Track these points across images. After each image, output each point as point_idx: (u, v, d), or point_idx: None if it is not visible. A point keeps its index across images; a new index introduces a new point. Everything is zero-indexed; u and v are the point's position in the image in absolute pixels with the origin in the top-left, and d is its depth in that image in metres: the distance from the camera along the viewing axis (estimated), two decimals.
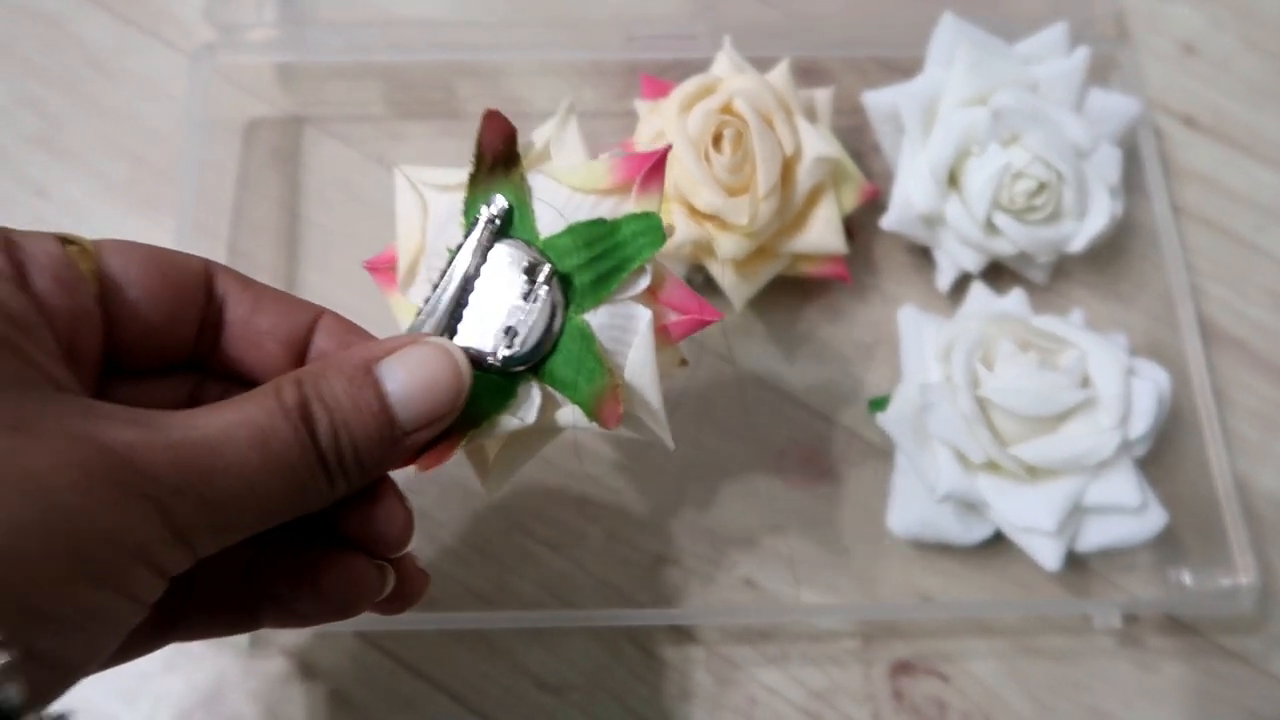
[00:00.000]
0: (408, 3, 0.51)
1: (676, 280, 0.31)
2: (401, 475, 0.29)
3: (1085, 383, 0.40)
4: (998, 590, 0.42)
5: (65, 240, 0.27)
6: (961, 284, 0.46)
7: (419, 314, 0.30)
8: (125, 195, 0.48)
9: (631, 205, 0.30)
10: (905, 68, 0.48)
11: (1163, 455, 0.43)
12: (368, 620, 0.40)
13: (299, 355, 0.30)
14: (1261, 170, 0.50)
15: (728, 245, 0.42)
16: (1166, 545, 0.42)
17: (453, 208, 0.31)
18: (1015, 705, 0.41)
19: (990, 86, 0.44)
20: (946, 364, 0.41)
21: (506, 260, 0.29)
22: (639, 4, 0.51)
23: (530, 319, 0.29)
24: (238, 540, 0.25)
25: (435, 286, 0.30)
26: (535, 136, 0.33)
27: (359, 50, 0.49)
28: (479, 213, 0.30)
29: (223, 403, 0.25)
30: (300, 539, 0.29)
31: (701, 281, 0.45)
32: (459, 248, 0.30)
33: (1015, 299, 0.44)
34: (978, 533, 0.41)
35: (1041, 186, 0.43)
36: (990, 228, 0.44)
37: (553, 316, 0.29)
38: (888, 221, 0.45)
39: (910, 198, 0.44)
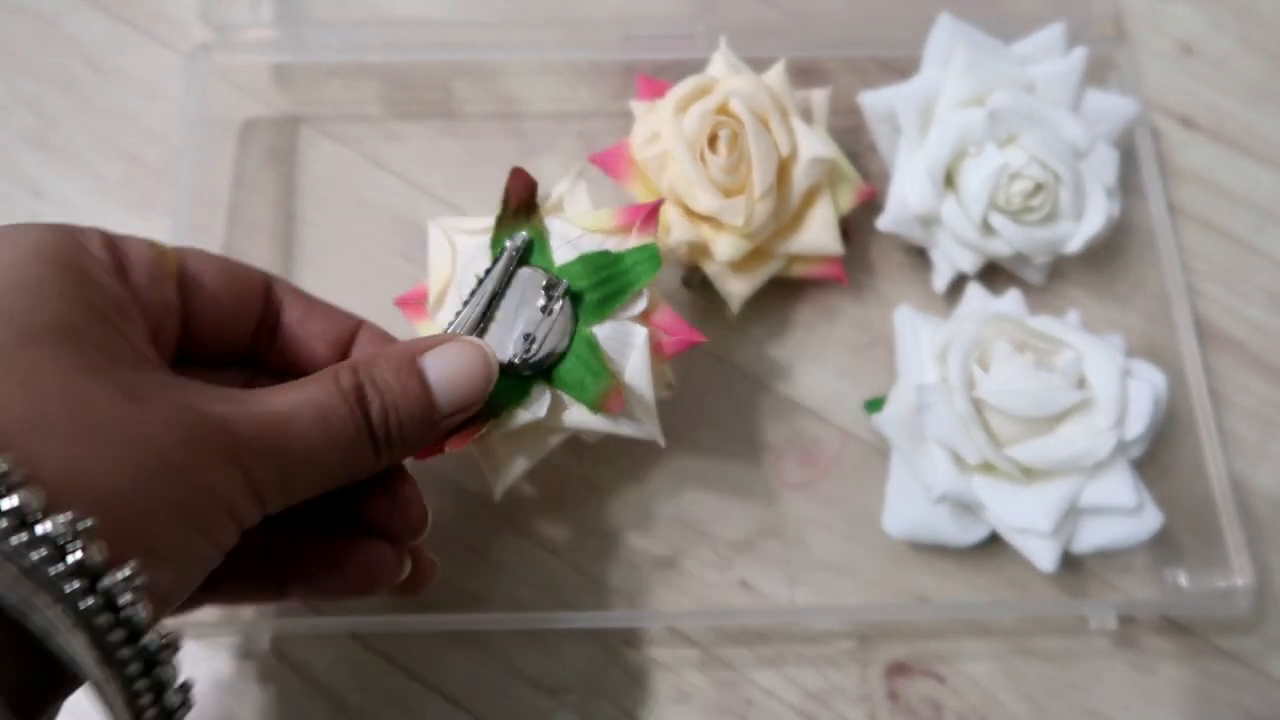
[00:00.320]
0: (404, 2, 0.51)
1: (668, 307, 0.36)
2: None
3: (1081, 384, 0.40)
4: (994, 591, 0.42)
5: (150, 244, 0.32)
6: (958, 285, 0.46)
7: (450, 325, 0.35)
8: (121, 195, 0.48)
9: (633, 241, 0.36)
10: (903, 68, 0.48)
11: (1159, 456, 0.43)
12: (363, 621, 0.40)
13: (342, 356, 0.35)
14: (1260, 170, 0.50)
15: (724, 247, 0.41)
16: (1163, 546, 0.42)
17: (478, 247, 0.37)
18: (1011, 706, 0.41)
19: (987, 87, 0.44)
20: (942, 365, 0.41)
21: (527, 282, 0.35)
22: (637, 4, 0.51)
23: (547, 328, 0.34)
24: (297, 502, 0.29)
25: (465, 304, 0.35)
26: (552, 190, 0.38)
27: (355, 50, 0.49)
28: (505, 245, 0.36)
29: (289, 384, 0.29)
30: (330, 525, 0.33)
31: (698, 282, 0.45)
32: (487, 271, 0.35)
33: (1011, 300, 0.44)
34: (973, 534, 0.41)
35: (1038, 187, 0.43)
36: (986, 228, 0.44)
37: (566, 328, 0.34)
38: (884, 222, 0.45)
39: (907, 198, 0.44)
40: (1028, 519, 0.39)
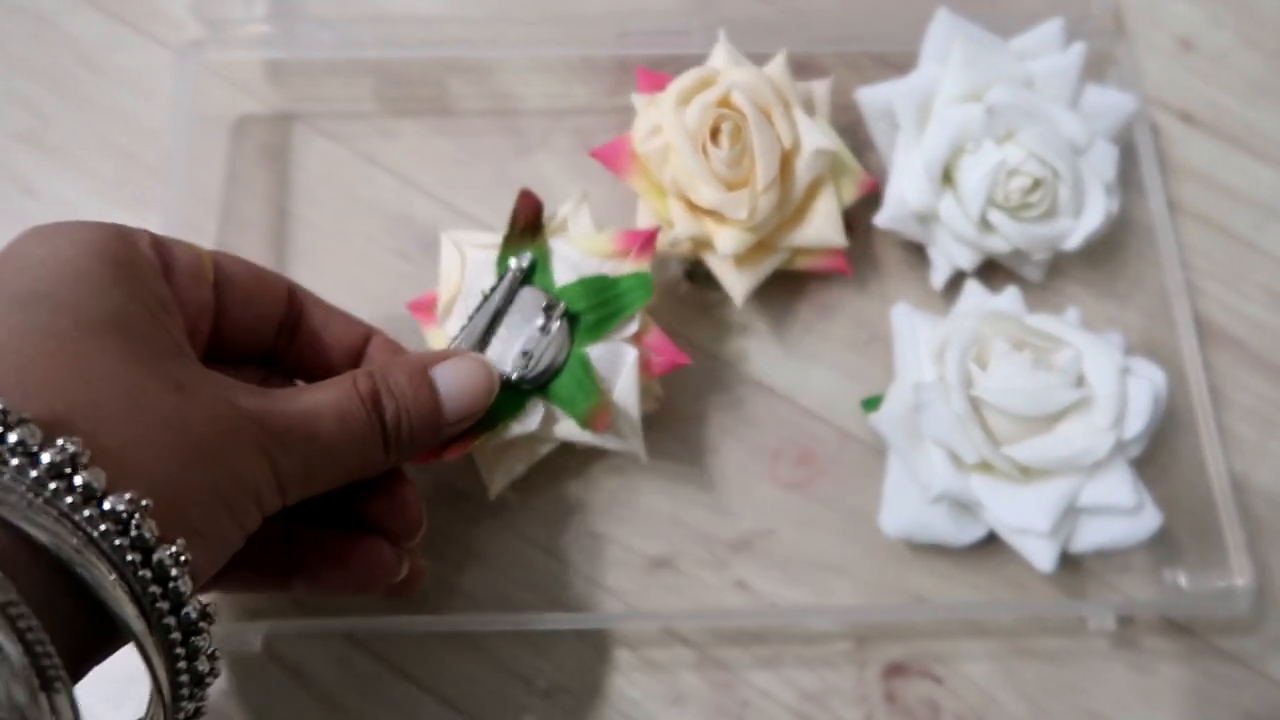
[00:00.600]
0: None
1: (658, 329, 0.39)
2: None
3: (1080, 382, 0.40)
4: (992, 591, 0.42)
5: (191, 247, 0.34)
6: (956, 281, 0.45)
7: (455, 338, 0.38)
8: (115, 193, 0.47)
9: (629, 267, 0.39)
10: (900, 63, 0.47)
11: (1158, 455, 0.43)
12: (356, 622, 0.40)
13: (356, 361, 0.38)
14: (1259, 167, 0.50)
15: (728, 240, 0.41)
16: (1162, 546, 0.42)
17: (487, 260, 0.40)
18: (1009, 707, 0.41)
19: (985, 82, 0.44)
20: (940, 363, 0.41)
21: (529, 302, 0.38)
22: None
23: (544, 346, 0.37)
24: (313, 494, 0.32)
25: (470, 318, 0.38)
26: (557, 211, 0.41)
27: (349, 46, 0.48)
28: (510, 264, 0.39)
29: (311, 386, 0.32)
30: (333, 522, 0.35)
31: (701, 276, 0.45)
32: (492, 289, 0.38)
33: (1010, 297, 0.43)
34: (971, 533, 0.41)
35: (1036, 183, 0.43)
36: (985, 225, 0.44)
37: (562, 347, 0.37)
38: (882, 219, 0.45)
39: (904, 195, 0.44)
40: (1026, 519, 0.39)
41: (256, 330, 0.36)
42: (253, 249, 0.46)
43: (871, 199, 0.45)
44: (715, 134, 0.41)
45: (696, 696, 0.40)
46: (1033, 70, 0.45)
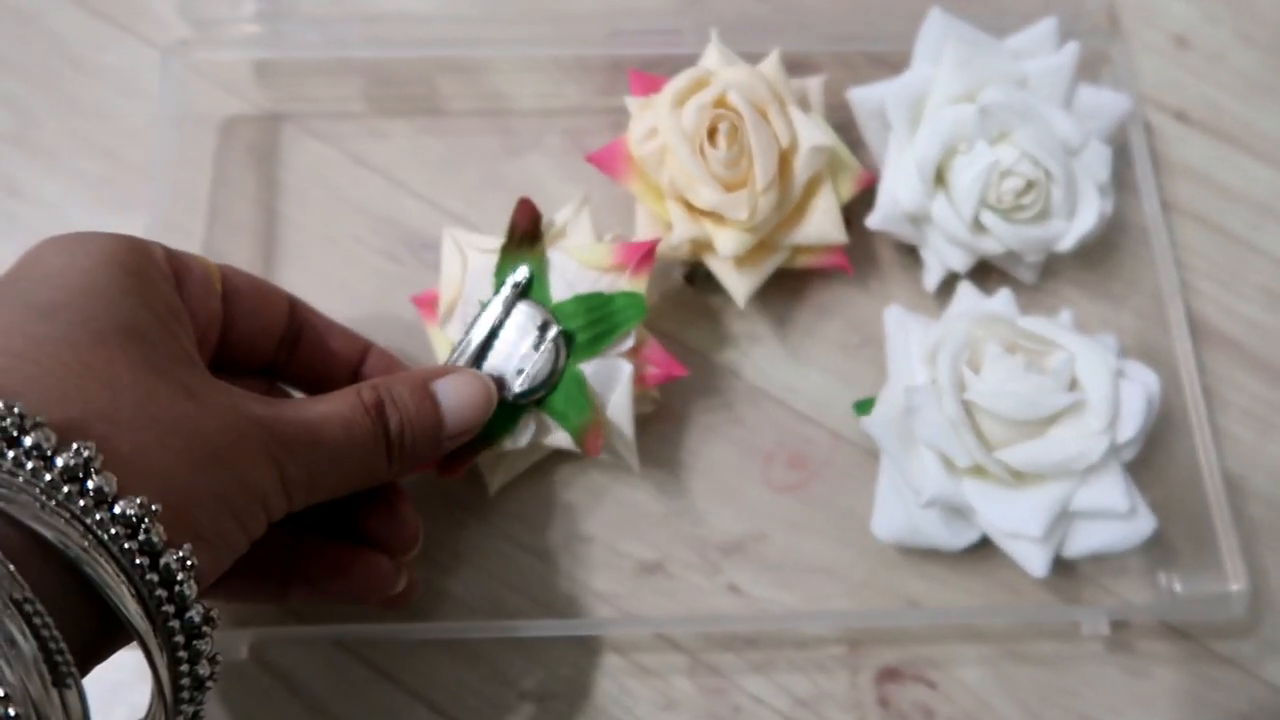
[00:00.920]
0: None
1: (655, 342, 0.40)
2: None
3: (1073, 385, 0.40)
4: (985, 595, 0.42)
5: (201, 259, 0.35)
6: (949, 283, 0.45)
7: (454, 350, 0.39)
8: (101, 193, 0.47)
9: (625, 281, 0.39)
10: (893, 63, 0.47)
11: (1153, 458, 0.42)
12: (346, 628, 0.40)
13: (354, 374, 0.39)
14: (1255, 166, 0.49)
15: (728, 242, 0.41)
16: (1157, 549, 0.42)
17: (487, 267, 0.40)
18: (1003, 712, 0.40)
19: (978, 82, 0.44)
20: (932, 366, 0.40)
21: (525, 317, 0.39)
22: None
23: (539, 364, 0.38)
24: (317, 501, 0.32)
25: (468, 331, 0.39)
26: (556, 217, 0.41)
27: (338, 46, 0.48)
28: (507, 278, 0.39)
29: (317, 397, 0.33)
30: (332, 534, 0.36)
31: (702, 278, 0.44)
32: (489, 303, 0.39)
33: (1003, 299, 0.43)
34: (964, 538, 0.40)
35: (1030, 185, 0.42)
36: (978, 226, 0.43)
37: (556, 364, 0.38)
38: (874, 220, 0.44)
39: (896, 196, 0.44)
40: (1018, 523, 0.39)
41: (260, 342, 0.37)
42: (240, 250, 0.46)
43: (866, 199, 0.45)
44: (712, 135, 0.41)
45: (688, 702, 0.40)
46: (1026, 70, 0.44)
